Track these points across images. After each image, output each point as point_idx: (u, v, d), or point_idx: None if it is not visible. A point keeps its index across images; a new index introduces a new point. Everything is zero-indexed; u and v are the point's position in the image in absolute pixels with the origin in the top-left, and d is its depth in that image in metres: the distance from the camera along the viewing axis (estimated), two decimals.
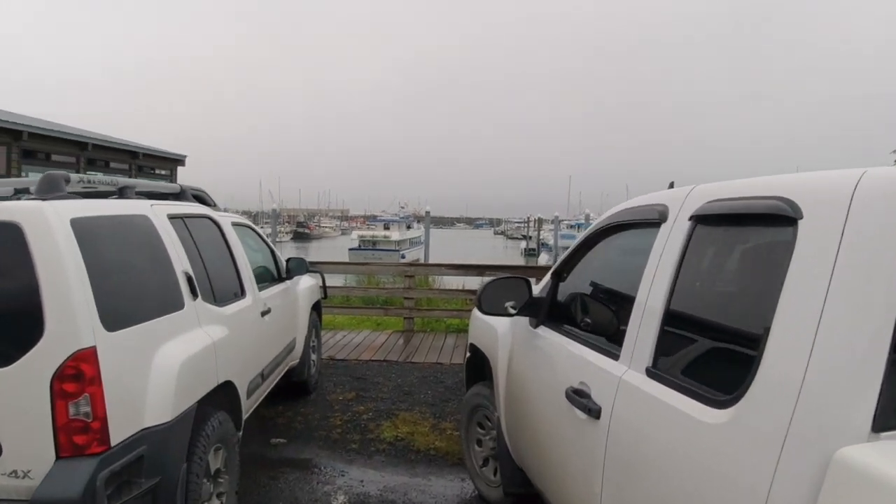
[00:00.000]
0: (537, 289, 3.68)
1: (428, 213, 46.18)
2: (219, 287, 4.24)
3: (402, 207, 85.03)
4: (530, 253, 76.00)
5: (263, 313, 5.02)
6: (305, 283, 6.78)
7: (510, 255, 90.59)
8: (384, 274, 11.43)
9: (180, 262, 3.65)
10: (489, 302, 3.47)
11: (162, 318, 3.30)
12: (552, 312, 3.42)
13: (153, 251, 3.48)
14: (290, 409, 6.50)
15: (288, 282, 6.12)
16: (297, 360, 6.44)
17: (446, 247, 79.01)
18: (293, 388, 6.70)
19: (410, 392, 7.15)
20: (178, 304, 3.51)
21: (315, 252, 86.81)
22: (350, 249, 59.88)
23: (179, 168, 23.39)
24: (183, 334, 3.47)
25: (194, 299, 3.69)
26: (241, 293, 4.73)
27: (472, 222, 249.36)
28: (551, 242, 63.02)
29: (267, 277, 5.75)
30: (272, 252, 6.01)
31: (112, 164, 19.86)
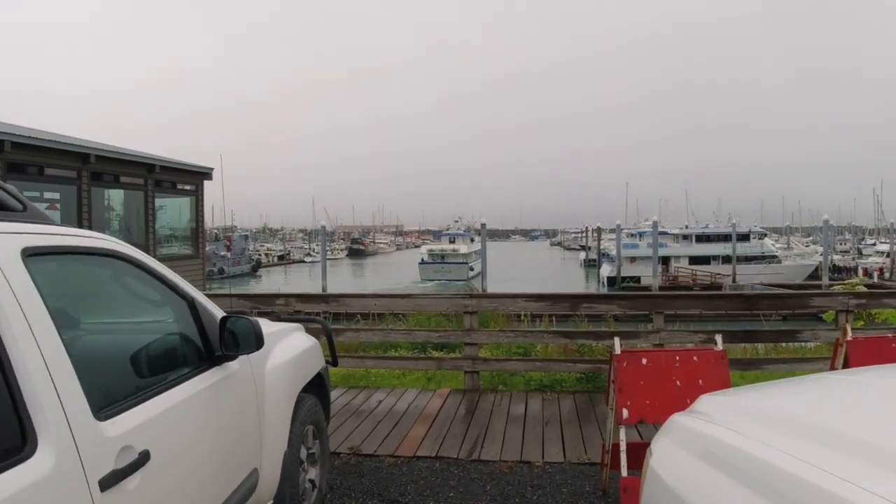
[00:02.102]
0: None
1: (483, 225, 43.30)
2: None
3: (456, 221, 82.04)
4: (590, 264, 72.36)
5: (109, 480, 1.96)
6: (285, 353, 3.68)
7: (569, 266, 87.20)
8: (436, 307, 8.22)
9: None
10: None
11: None
12: None
13: None
14: None
15: (231, 364, 3.01)
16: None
17: (504, 260, 76.08)
18: None
19: None
20: None
21: (371, 269, 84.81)
22: (420, 264, 61.92)
23: (206, 182, 20.80)
24: None
25: None
26: (25, 445, 1.70)
27: (528, 234, 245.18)
28: (613, 252, 59.52)
29: (174, 363, 2.68)
30: (191, 306, 2.90)
31: (123, 179, 17.32)
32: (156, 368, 2.50)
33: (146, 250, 18.05)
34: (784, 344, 7.99)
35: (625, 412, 3.78)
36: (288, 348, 3.75)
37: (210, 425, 2.70)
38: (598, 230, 75.78)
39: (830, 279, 43.38)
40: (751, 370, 7.09)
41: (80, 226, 15.16)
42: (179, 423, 2.45)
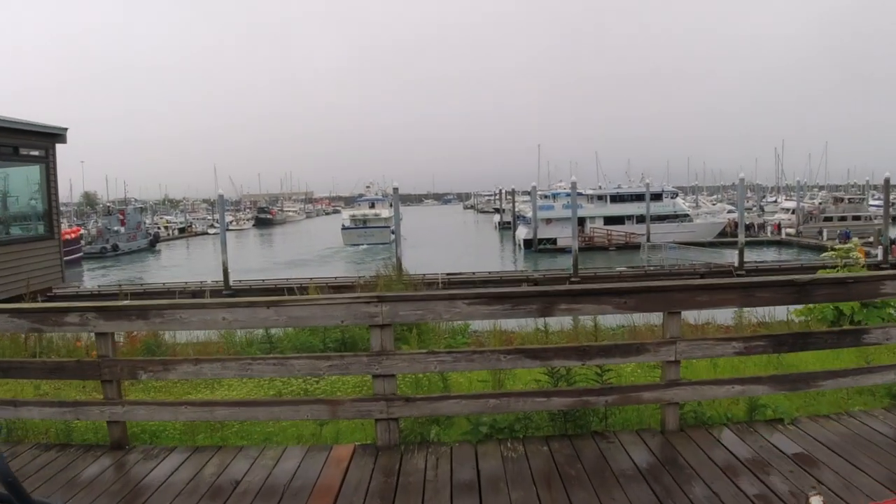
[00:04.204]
0: None
1: (396, 189, 40.44)
2: None
3: (368, 187, 79.07)
4: (505, 227, 70.77)
5: None
6: None
7: (483, 229, 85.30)
8: (323, 319, 4.96)
9: None
10: None
11: None
12: None
13: None
14: None
15: None
16: None
17: (419, 225, 73.48)
18: None
19: None
20: None
21: (280, 239, 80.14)
22: (343, 229, 62.28)
23: (59, 146, 17.11)
24: None
25: None
26: None
27: (441, 198, 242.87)
28: (528, 214, 57.76)
29: None
30: None
31: None
32: None
33: None
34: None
35: None
36: None
37: None
38: (513, 192, 74.09)
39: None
40: (801, 388, 4.77)
41: None
42: None
